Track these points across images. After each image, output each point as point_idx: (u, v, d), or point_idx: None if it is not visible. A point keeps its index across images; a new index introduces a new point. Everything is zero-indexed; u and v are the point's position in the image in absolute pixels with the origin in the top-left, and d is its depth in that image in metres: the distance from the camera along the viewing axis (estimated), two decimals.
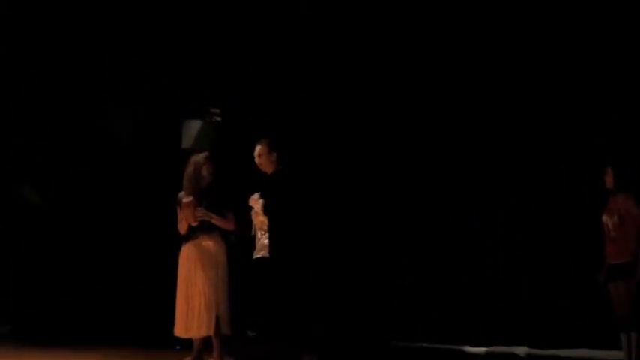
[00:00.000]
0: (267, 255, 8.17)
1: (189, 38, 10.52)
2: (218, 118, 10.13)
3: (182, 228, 8.03)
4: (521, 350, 8.78)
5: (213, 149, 9.50)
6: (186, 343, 8.15)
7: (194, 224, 7.97)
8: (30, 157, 10.95)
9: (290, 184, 8.13)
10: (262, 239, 8.27)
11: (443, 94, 9.59)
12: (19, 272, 10.89)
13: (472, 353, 8.92)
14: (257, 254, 8.32)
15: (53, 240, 10.91)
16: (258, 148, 8.21)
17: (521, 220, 9.09)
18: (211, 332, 7.84)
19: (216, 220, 7.98)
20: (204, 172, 8.06)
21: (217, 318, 7.84)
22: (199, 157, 8.16)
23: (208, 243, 7.98)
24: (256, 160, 8.21)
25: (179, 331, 7.92)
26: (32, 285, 10.82)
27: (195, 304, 7.82)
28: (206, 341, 7.97)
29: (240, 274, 8.26)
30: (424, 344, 9.14)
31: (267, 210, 8.12)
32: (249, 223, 8.41)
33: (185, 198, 7.98)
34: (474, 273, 9.21)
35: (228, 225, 8.05)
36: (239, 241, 8.27)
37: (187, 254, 8.00)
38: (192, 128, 10.04)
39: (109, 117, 10.86)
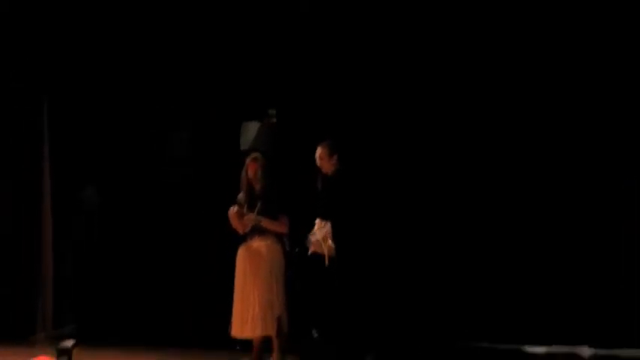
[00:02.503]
0: (318, 251, 8.21)
1: (249, 39, 10.56)
2: (274, 119, 10.20)
3: (238, 230, 8.14)
4: (581, 350, 8.67)
5: (270, 151, 9.61)
6: (247, 344, 8.20)
7: (245, 231, 8.08)
8: (90, 162, 11.07)
9: (350, 184, 8.15)
10: (315, 236, 8.28)
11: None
12: (80, 273, 11.04)
13: (532, 353, 8.83)
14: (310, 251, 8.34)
15: (114, 241, 11.04)
16: (319, 150, 8.26)
17: (582, 219, 8.99)
18: (267, 333, 7.93)
19: (266, 224, 8.05)
20: (249, 173, 8.15)
21: (278, 318, 7.94)
22: (247, 159, 8.25)
23: (260, 244, 8.06)
24: (317, 161, 8.27)
25: (235, 331, 8.01)
26: (94, 285, 10.96)
27: (249, 304, 7.90)
28: (267, 341, 8.04)
29: (299, 273, 8.35)
30: (484, 344, 9.07)
31: (328, 210, 8.15)
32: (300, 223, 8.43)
33: (230, 209, 8.07)
34: (535, 271, 9.12)
35: (280, 228, 8.12)
36: (295, 246, 8.32)
37: (241, 256, 8.11)
38: (250, 130, 10.13)
39: (168, 119, 10.95)
